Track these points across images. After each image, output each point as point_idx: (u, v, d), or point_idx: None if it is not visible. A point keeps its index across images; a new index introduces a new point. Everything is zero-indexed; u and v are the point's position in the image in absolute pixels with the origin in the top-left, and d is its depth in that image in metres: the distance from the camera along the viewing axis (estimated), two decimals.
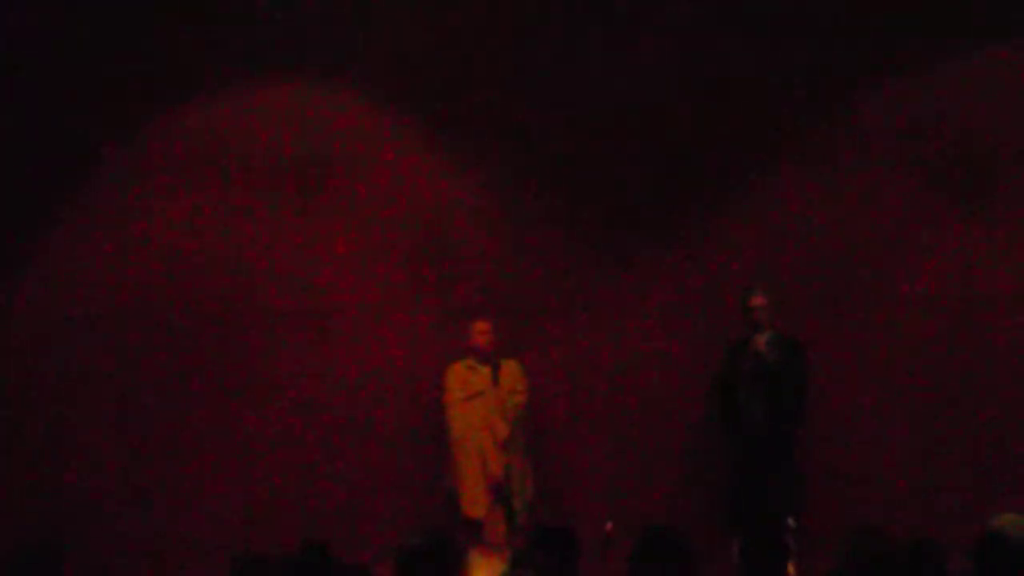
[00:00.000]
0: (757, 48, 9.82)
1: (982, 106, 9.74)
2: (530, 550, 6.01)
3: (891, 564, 5.59)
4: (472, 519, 9.06)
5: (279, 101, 9.93)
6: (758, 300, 9.13)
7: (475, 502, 9.10)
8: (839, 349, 9.55)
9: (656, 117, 9.85)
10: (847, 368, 9.55)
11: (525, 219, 9.92)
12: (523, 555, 6.09)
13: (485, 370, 9.31)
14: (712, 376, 9.29)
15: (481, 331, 9.36)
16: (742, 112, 9.82)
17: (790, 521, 8.29)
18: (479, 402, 9.23)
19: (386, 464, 9.71)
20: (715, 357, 9.38)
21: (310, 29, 9.91)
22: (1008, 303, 9.61)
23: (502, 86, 9.93)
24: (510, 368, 9.37)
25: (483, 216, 9.94)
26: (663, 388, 9.73)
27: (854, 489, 9.44)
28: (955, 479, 9.49)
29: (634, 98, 9.87)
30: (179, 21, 9.88)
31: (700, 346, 9.66)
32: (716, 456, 9.45)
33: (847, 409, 9.55)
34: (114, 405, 9.70)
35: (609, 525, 7.60)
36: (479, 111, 9.92)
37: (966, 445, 9.54)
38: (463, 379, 9.31)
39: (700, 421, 9.66)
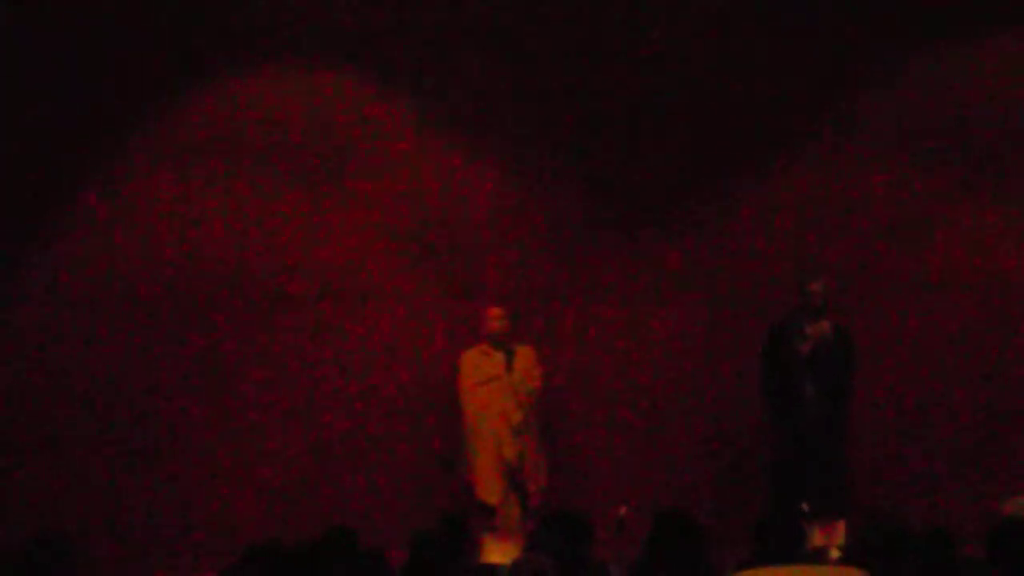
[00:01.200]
0: (769, 34, 9.81)
1: (996, 90, 9.74)
2: (544, 534, 6.02)
3: (903, 548, 5.61)
4: (486, 504, 9.08)
5: (289, 88, 9.90)
6: (817, 285, 9.09)
7: (489, 487, 9.11)
8: (854, 334, 9.53)
9: (671, 104, 9.84)
10: (863, 353, 9.52)
11: (537, 205, 9.91)
12: (537, 539, 6.11)
13: (499, 356, 9.32)
14: (763, 357, 9.15)
15: (495, 317, 9.36)
16: (756, 100, 9.81)
17: (804, 506, 8.28)
18: (493, 388, 9.23)
19: (399, 450, 9.72)
20: (727, 341, 9.42)
21: (322, 16, 9.88)
22: (1018, 286, 9.62)
23: (514, 72, 9.91)
24: (524, 354, 9.37)
25: (495, 202, 9.93)
26: (676, 372, 9.74)
27: (870, 473, 9.44)
28: (970, 464, 9.49)
29: (648, 85, 9.85)
30: (191, 7, 9.87)
31: (713, 331, 9.67)
32: (731, 439, 9.51)
33: (863, 394, 9.52)
34: (123, 391, 9.69)
35: (622, 509, 7.62)
36: (490, 97, 9.91)
37: (983, 429, 9.54)
38: (477, 365, 9.32)
39: (714, 405, 9.67)
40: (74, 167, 9.82)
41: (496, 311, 9.37)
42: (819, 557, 8.39)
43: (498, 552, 8.93)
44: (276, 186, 9.87)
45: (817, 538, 8.64)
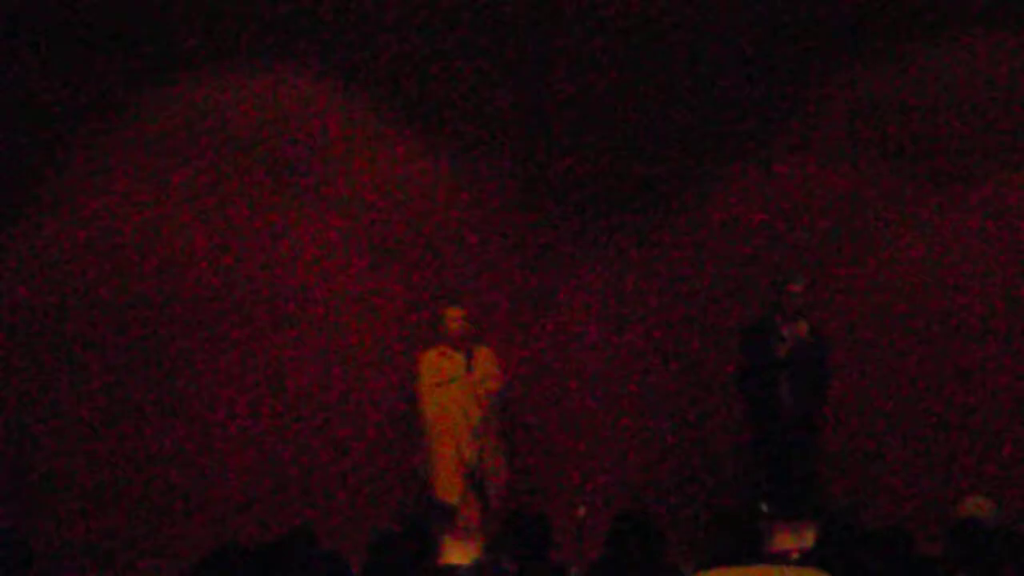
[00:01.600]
0: (730, 35, 9.83)
1: (953, 92, 9.79)
2: (504, 535, 6.01)
3: (863, 548, 5.63)
4: (446, 505, 9.07)
5: (251, 87, 9.86)
6: (797, 287, 9.10)
7: (449, 488, 9.10)
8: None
9: (632, 104, 9.85)
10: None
11: (498, 205, 9.91)
12: (497, 540, 6.10)
13: (458, 356, 9.31)
14: (739, 358, 9.15)
15: (454, 318, 9.35)
16: (718, 100, 9.82)
17: (763, 507, 8.30)
18: (452, 388, 9.22)
19: (359, 451, 9.68)
20: (689, 341, 9.48)
21: (284, 15, 9.85)
22: (978, 286, 9.67)
23: (476, 73, 9.90)
24: (483, 354, 9.37)
25: (456, 202, 9.92)
26: (639, 373, 9.75)
27: (830, 473, 9.47)
28: (929, 463, 9.55)
29: (610, 85, 9.86)
30: (149, 6, 9.81)
31: (675, 332, 9.69)
32: (695, 440, 9.55)
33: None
34: (86, 395, 9.63)
35: (582, 510, 7.62)
36: (452, 98, 9.89)
37: (936, 429, 9.59)
38: (436, 365, 9.31)
39: (678, 405, 9.69)
40: (30, 170, 9.75)
41: (455, 312, 9.36)
42: (780, 558, 8.41)
43: (458, 553, 8.92)
44: (234, 188, 9.82)
45: (786, 541, 8.65)
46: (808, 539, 8.70)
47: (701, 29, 9.85)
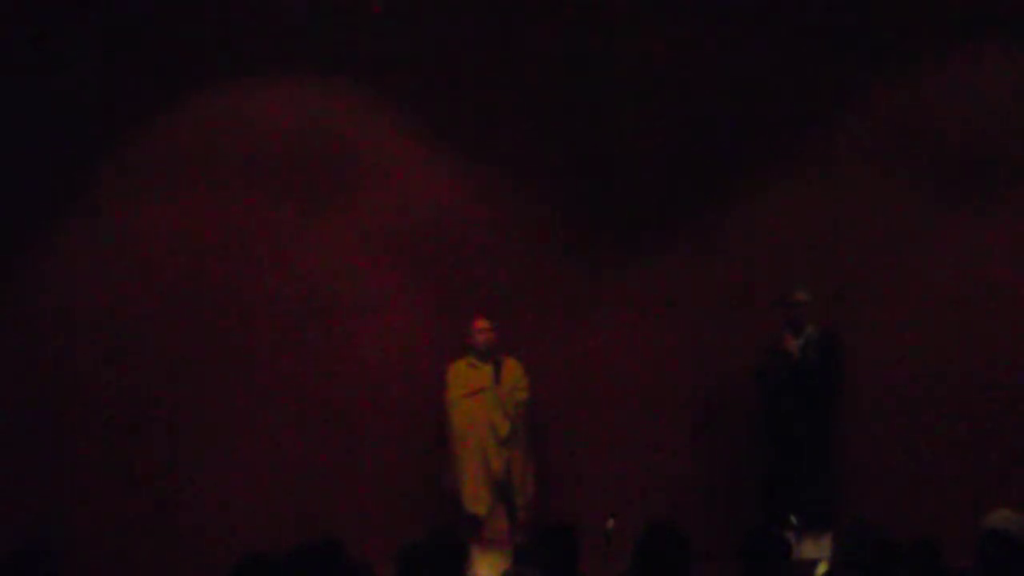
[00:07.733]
0: (754, 50, 9.84)
1: (985, 107, 9.78)
2: (532, 547, 6.02)
3: (890, 559, 5.61)
4: (474, 516, 9.09)
5: (281, 99, 9.94)
6: (797, 297, 9.15)
7: (477, 499, 9.12)
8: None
9: (657, 117, 9.87)
10: (850, 365, 9.52)
11: (525, 217, 9.94)
12: (525, 552, 6.10)
13: (486, 368, 9.33)
14: (751, 371, 9.30)
15: (481, 329, 9.38)
16: (744, 112, 9.84)
17: (792, 518, 8.29)
18: (480, 399, 9.25)
19: (387, 461, 9.72)
20: (715, 353, 9.50)
21: (312, 27, 9.91)
22: (1011, 300, 9.64)
23: (502, 86, 9.94)
24: (511, 365, 9.39)
25: (483, 214, 9.96)
26: (664, 384, 9.75)
27: (857, 484, 9.45)
28: (957, 475, 9.51)
29: (635, 99, 9.88)
30: (182, 18, 9.89)
31: (701, 342, 9.69)
32: (721, 451, 9.53)
33: (851, 406, 9.52)
34: (116, 402, 9.70)
35: (610, 521, 7.61)
36: (479, 110, 9.94)
37: (969, 442, 9.57)
38: (464, 377, 9.34)
39: (701, 417, 9.68)
40: (67, 178, 9.85)
41: (483, 323, 9.39)
42: (806, 570, 8.38)
43: (485, 565, 8.93)
44: (265, 200, 9.90)
45: (805, 551, 8.64)
46: (824, 549, 8.70)
47: (729, 48, 9.86)
